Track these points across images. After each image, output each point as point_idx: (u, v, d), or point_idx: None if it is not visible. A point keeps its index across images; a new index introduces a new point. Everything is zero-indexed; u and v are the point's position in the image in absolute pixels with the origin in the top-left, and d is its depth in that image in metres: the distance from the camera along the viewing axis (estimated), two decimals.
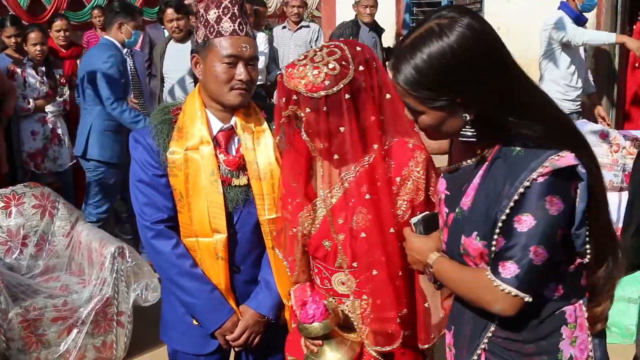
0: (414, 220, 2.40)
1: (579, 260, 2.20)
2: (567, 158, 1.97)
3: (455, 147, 2.35)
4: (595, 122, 6.92)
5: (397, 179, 2.50)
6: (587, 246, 2.17)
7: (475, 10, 8.91)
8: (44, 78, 7.43)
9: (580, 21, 6.90)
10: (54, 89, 7.46)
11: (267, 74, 8.72)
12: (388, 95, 2.46)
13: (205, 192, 2.84)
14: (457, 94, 1.99)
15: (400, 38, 2.14)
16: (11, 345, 4.70)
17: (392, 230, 2.49)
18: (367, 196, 2.48)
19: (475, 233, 2.11)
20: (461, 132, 2.09)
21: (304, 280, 2.83)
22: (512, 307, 2.08)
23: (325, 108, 2.39)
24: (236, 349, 3.12)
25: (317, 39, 9.05)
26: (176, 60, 7.84)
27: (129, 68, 7.82)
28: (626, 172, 5.88)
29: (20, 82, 7.27)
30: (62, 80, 7.58)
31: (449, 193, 2.30)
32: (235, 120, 2.91)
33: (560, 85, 6.94)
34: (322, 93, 2.37)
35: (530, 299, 2.07)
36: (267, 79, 8.71)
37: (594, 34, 6.93)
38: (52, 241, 5.47)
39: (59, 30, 8.34)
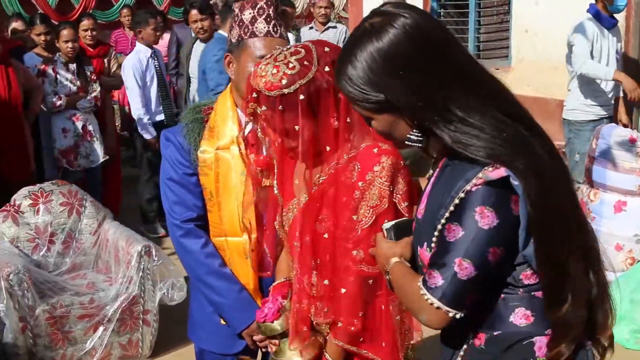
0: (385, 225, 2.31)
1: None
2: (500, 170, 1.82)
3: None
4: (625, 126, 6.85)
5: (360, 184, 2.45)
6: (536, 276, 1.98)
7: (503, 12, 8.89)
8: (75, 75, 7.47)
9: (608, 24, 6.85)
10: (85, 86, 7.50)
11: None
12: None
13: (235, 191, 2.83)
14: (390, 98, 1.89)
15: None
16: (38, 342, 4.73)
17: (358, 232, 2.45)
18: (330, 201, 2.46)
19: (425, 243, 1.99)
20: (407, 136, 1.98)
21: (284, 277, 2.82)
22: (437, 319, 1.94)
23: (280, 107, 2.38)
24: (263, 350, 3.12)
25: (344, 39, 9.03)
26: None
27: (154, 67, 7.86)
28: None
29: (51, 79, 7.32)
30: (92, 77, 7.61)
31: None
32: None
33: (589, 91, 6.87)
34: (279, 92, 2.36)
35: (458, 315, 1.92)
36: None
37: (593, 68, 6.68)
38: (79, 239, 5.50)
39: (85, 30, 8.38)
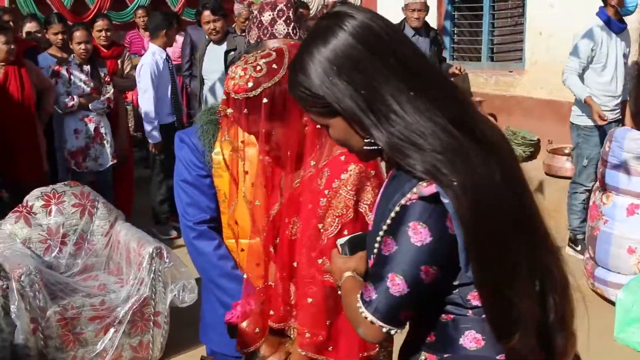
0: (340, 241, 2.24)
1: None
2: (432, 186, 1.73)
3: None
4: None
5: (327, 192, 2.42)
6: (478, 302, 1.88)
7: (518, 14, 8.86)
8: (89, 77, 7.49)
9: (617, 29, 6.84)
10: (98, 88, 7.52)
11: None
12: None
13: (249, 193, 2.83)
14: (335, 101, 1.82)
15: None
16: (49, 343, 4.74)
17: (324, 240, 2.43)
18: (299, 208, 2.44)
19: (371, 255, 1.93)
20: (362, 144, 1.89)
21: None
22: (371, 333, 1.88)
23: (245, 110, 2.37)
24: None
25: None
26: (214, 61, 7.90)
27: (168, 69, 7.88)
28: None
29: (65, 79, 7.34)
30: (106, 79, 7.63)
31: None
32: None
33: (597, 96, 6.87)
34: (244, 94, 2.35)
35: (393, 331, 1.86)
36: None
37: (573, 84, 6.85)
38: (91, 240, 5.51)
39: (100, 30, 8.39)
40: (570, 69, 6.91)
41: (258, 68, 2.36)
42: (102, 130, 7.56)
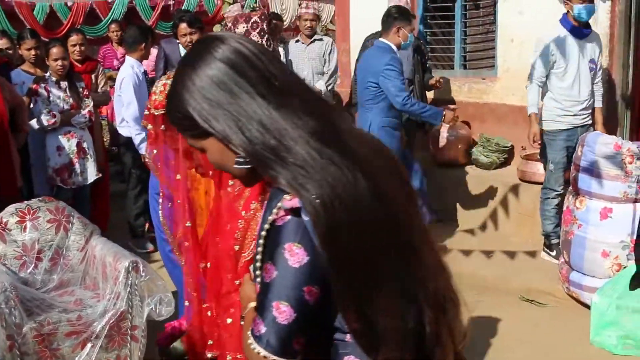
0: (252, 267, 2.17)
1: None
2: (295, 200, 1.73)
3: None
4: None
5: (244, 214, 2.41)
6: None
7: (489, 22, 8.92)
8: (67, 92, 7.48)
9: (582, 35, 6.93)
10: (78, 103, 7.52)
11: None
12: None
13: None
14: (205, 125, 1.85)
15: None
16: None
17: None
18: (220, 228, 2.43)
19: (257, 282, 1.89)
20: (235, 160, 1.89)
21: None
22: None
23: (162, 127, 2.38)
24: None
25: (330, 52, 9.06)
26: None
27: (145, 81, 7.89)
28: None
29: (44, 97, 7.33)
30: (84, 93, 7.63)
31: None
32: None
33: (559, 101, 6.99)
34: (163, 110, 2.36)
35: None
36: None
37: (530, 96, 7.17)
38: (66, 255, 5.49)
39: (74, 45, 8.40)
40: (532, 77, 7.12)
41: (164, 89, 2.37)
42: (85, 145, 7.57)
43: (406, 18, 7.17)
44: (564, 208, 6.44)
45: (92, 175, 7.63)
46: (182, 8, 14.12)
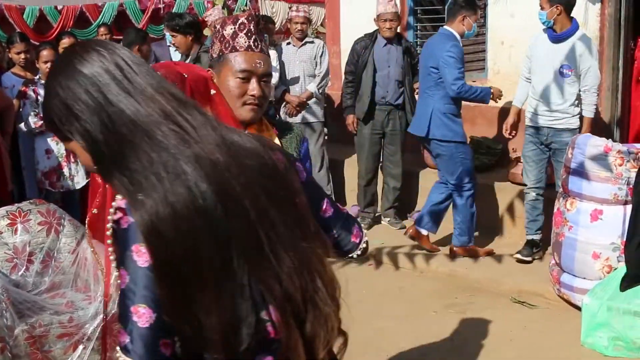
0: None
1: None
2: (123, 200, 1.71)
3: None
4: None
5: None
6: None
7: (479, 24, 8.94)
8: None
9: (552, 38, 6.98)
10: None
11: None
12: None
13: None
14: (62, 127, 1.85)
15: None
16: None
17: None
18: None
19: None
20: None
21: None
22: None
23: None
24: None
25: (322, 54, 9.06)
26: None
27: None
28: (630, 186, 5.88)
29: (32, 99, 7.34)
30: None
31: None
32: None
33: (530, 97, 7.24)
34: None
35: None
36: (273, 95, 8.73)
37: (518, 87, 7.51)
38: (57, 258, 5.47)
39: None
40: (521, 74, 7.38)
41: None
42: None
43: (472, 8, 7.30)
44: (555, 210, 6.45)
45: (82, 179, 7.62)
46: (173, 11, 14.12)
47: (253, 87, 2.83)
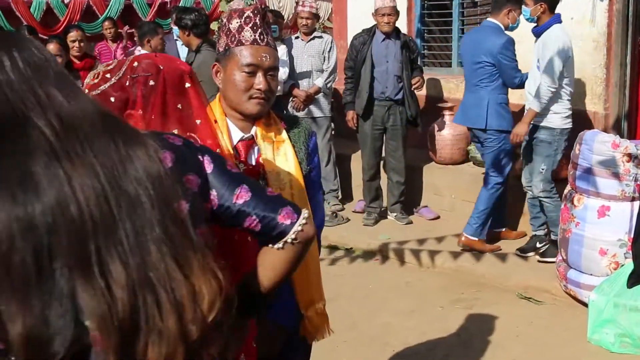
0: None
1: None
2: None
3: None
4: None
5: None
6: None
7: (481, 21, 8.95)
8: None
9: (535, 33, 7.05)
10: None
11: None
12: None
13: None
14: None
15: None
16: None
17: None
18: None
19: None
20: None
21: None
22: None
23: None
24: None
25: (330, 49, 9.05)
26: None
27: None
28: (638, 182, 5.89)
29: None
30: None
31: None
32: (256, 130, 2.93)
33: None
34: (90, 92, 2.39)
35: None
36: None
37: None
38: None
39: (73, 41, 8.41)
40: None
41: (98, 77, 2.39)
42: None
43: (518, 1, 7.27)
44: (562, 206, 6.45)
45: None
46: (179, 5, 14.12)
47: (259, 81, 2.84)
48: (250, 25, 2.84)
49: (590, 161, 6.03)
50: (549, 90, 6.76)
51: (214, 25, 9.48)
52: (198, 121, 2.38)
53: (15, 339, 1.57)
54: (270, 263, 2.11)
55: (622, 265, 5.85)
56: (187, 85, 2.40)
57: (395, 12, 8.34)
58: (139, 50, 8.43)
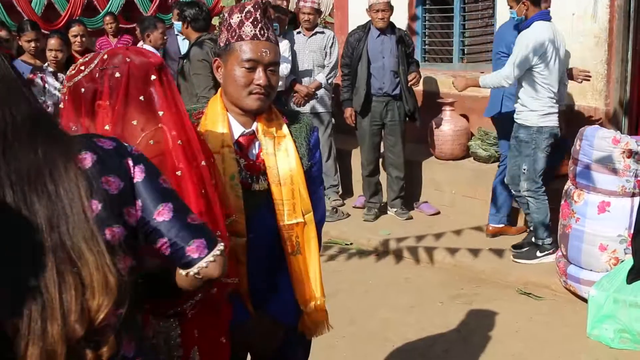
0: None
1: None
2: None
3: None
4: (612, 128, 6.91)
5: None
6: None
7: (488, 16, 8.93)
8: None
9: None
10: None
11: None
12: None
13: (224, 195, 2.84)
14: None
15: None
16: None
17: None
18: None
19: None
20: None
21: None
22: None
23: (61, 104, 2.45)
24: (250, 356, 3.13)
25: (332, 45, 9.05)
26: None
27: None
28: (638, 178, 5.90)
29: (39, 87, 7.33)
30: None
31: None
32: (257, 125, 2.94)
33: None
34: (63, 90, 2.42)
35: None
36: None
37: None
38: None
39: (75, 36, 8.41)
40: None
41: (75, 68, 2.42)
42: None
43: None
44: (562, 202, 6.46)
45: None
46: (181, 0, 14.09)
47: (259, 76, 2.84)
48: (250, 20, 2.84)
49: (590, 157, 6.04)
50: (503, 81, 6.88)
51: (215, 21, 9.48)
52: (161, 112, 2.38)
53: None
54: (177, 278, 2.05)
55: (622, 261, 5.86)
56: (153, 77, 2.40)
57: (389, 8, 8.35)
58: (142, 45, 8.45)
